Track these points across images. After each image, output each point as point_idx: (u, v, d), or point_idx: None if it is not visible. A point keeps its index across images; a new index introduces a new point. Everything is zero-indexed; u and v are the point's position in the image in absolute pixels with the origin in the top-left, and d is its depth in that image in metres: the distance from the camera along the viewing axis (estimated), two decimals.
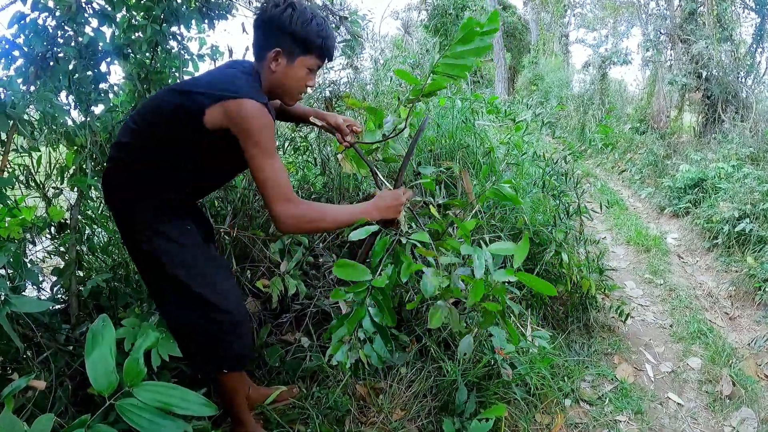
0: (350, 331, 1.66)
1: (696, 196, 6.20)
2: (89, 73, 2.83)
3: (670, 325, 3.75)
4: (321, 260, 2.83)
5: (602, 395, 2.82)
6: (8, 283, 2.36)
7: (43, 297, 2.74)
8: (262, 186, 1.65)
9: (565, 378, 2.81)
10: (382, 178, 2.04)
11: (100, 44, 2.83)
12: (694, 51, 8.94)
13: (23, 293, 2.51)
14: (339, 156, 2.30)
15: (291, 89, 1.85)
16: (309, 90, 1.96)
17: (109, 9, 2.83)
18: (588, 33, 19.92)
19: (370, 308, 1.66)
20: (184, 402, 1.24)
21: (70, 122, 2.78)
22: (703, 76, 8.82)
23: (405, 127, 1.95)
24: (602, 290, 3.46)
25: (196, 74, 3.23)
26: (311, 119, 2.17)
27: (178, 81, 3.13)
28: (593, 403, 2.75)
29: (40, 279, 2.74)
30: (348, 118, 2.17)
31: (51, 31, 2.70)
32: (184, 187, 1.86)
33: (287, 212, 1.65)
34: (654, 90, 10.60)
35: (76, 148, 2.79)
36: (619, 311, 3.40)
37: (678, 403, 2.85)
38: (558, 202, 3.40)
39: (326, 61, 1.89)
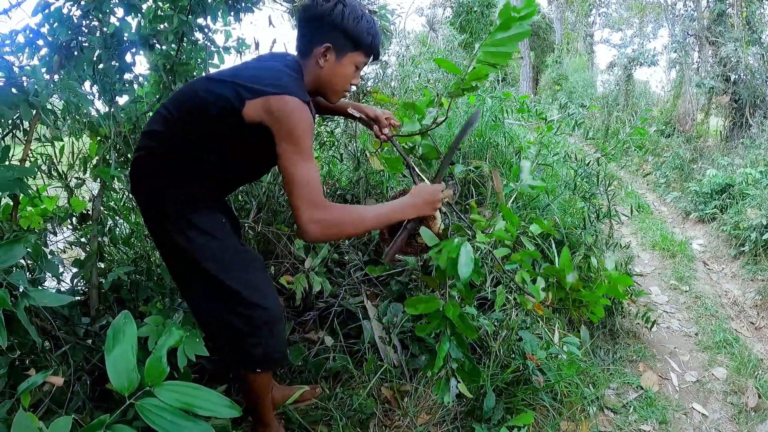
0: (440, 365, 1.67)
1: (723, 201, 6.08)
2: (114, 63, 2.80)
3: (696, 334, 3.67)
4: (346, 257, 2.78)
5: (627, 403, 2.76)
6: (28, 274, 2.34)
7: (63, 289, 2.72)
8: (292, 187, 1.57)
9: (591, 385, 2.75)
10: (418, 172, 1.98)
11: (126, 34, 2.79)
12: (723, 53, 8.78)
13: (43, 285, 2.50)
14: (367, 153, 2.24)
15: (336, 86, 1.82)
16: (353, 88, 1.91)
17: None
18: (613, 33, 19.76)
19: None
20: (208, 403, 1.19)
21: (93, 112, 2.75)
22: (731, 80, 8.66)
23: (445, 118, 1.90)
24: (629, 296, 3.38)
25: (221, 66, 3.20)
26: (349, 110, 2.11)
27: (205, 72, 3.10)
28: (618, 412, 2.69)
29: (61, 270, 2.72)
30: (387, 111, 2.13)
31: (76, 20, 2.68)
32: (209, 180, 1.80)
33: (314, 218, 1.56)
34: (680, 92, 10.44)
35: (99, 138, 2.76)
36: (645, 318, 3.33)
37: (703, 414, 2.78)
38: (588, 204, 3.32)
39: (372, 59, 1.86)
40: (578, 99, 13.35)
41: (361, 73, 1.94)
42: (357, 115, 2.09)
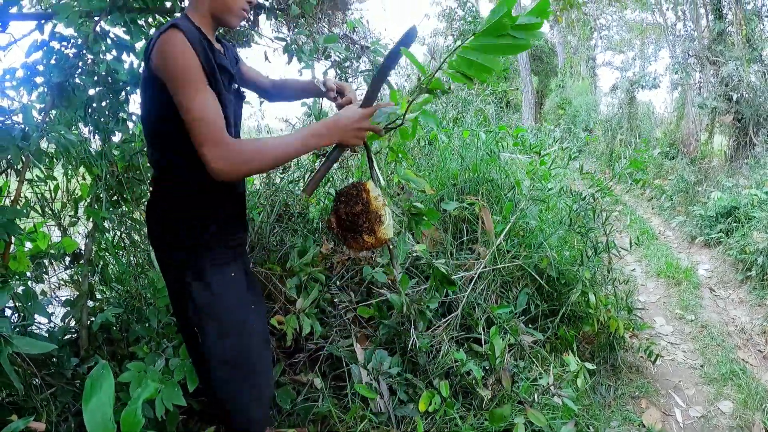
0: None
1: (728, 225, 6.00)
2: (105, 102, 2.80)
3: (701, 366, 3.58)
4: (336, 300, 2.74)
5: None
6: (15, 316, 2.34)
7: (54, 326, 2.70)
8: (190, 126, 1.45)
9: (590, 427, 2.68)
10: (377, 172, 1.85)
11: (118, 73, 2.80)
12: (724, 73, 8.76)
13: (34, 324, 2.48)
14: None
15: (233, 3, 1.65)
16: (249, 6, 1.72)
17: (128, 38, 2.81)
18: (615, 55, 19.86)
19: None
20: None
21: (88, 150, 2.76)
22: (734, 99, 8.62)
23: (402, 122, 1.65)
24: (631, 329, 3.31)
25: None
26: (315, 82, 1.96)
27: None
28: None
29: (51, 311, 2.72)
30: (350, 89, 1.96)
31: (70, 59, 2.69)
32: (200, 188, 1.66)
33: (218, 155, 1.44)
34: (683, 113, 10.42)
35: (93, 177, 2.77)
36: (648, 352, 3.25)
37: None
38: (585, 239, 3.27)
39: None
40: (582, 123, 13.35)
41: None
42: (323, 89, 1.94)
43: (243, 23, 3.40)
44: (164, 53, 1.45)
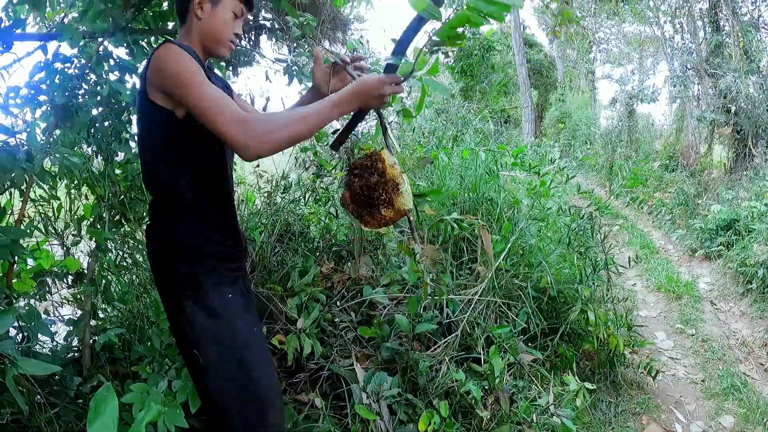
0: None
1: (728, 238, 6.00)
2: (108, 123, 2.83)
3: (702, 380, 3.58)
4: (337, 320, 2.75)
5: None
6: (19, 337, 2.35)
7: (57, 343, 2.71)
8: (206, 117, 1.47)
9: None
10: (392, 139, 1.81)
11: (120, 94, 2.83)
12: (722, 85, 8.79)
13: (36, 342, 2.49)
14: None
15: (221, 35, 1.75)
16: (237, 39, 1.84)
17: (130, 59, 2.85)
18: (614, 68, 19.93)
19: None
20: None
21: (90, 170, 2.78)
22: (732, 111, 8.64)
23: (412, 70, 1.62)
24: (631, 346, 3.32)
25: None
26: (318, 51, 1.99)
27: None
28: None
29: (55, 330, 2.72)
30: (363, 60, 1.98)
31: (73, 80, 2.72)
32: (196, 195, 1.70)
33: (242, 131, 1.44)
34: (682, 125, 10.44)
35: (96, 197, 2.79)
36: (648, 368, 3.26)
37: None
38: (584, 258, 3.27)
39: (248, 10, 1.82)
40: (582, 136, 13.37)
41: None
42: (333, 59, 1.92)
43: (244, 43, 3.46)
44: (161, 64, 1.51)
